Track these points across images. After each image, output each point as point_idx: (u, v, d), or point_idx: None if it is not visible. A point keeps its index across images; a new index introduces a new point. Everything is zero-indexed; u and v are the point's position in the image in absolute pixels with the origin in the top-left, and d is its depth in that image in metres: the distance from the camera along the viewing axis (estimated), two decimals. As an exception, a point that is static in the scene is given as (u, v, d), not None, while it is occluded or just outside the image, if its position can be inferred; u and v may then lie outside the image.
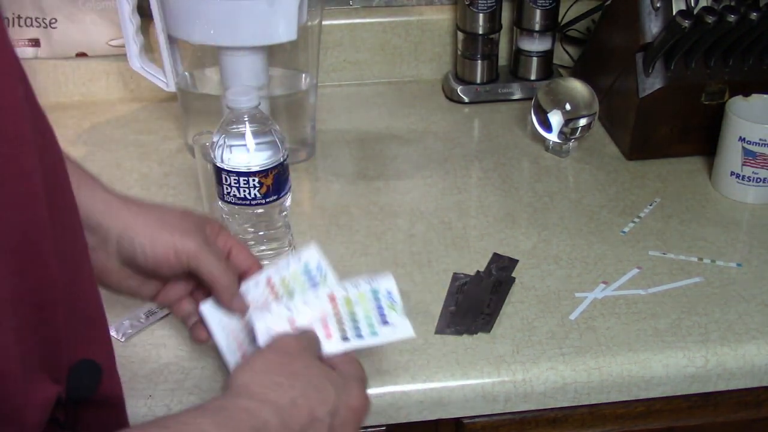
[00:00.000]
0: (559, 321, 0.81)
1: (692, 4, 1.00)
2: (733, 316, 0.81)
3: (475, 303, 0.83)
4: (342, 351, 0.65)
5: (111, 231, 0.65)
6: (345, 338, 0.66)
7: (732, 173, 0.98)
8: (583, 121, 1.04)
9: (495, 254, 0.90)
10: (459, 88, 1.22)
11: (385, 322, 0.67)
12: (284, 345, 0.61)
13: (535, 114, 1.07)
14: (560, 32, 1.26)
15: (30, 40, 1.17)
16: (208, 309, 0.69)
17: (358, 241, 0.92)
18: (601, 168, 1.06)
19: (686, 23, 0.94)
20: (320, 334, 0.65)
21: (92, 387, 0.52)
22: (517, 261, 0.89)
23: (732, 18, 0.93)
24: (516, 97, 1.23)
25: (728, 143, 0.98)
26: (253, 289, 0.70)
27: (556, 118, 1.04)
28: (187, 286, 0.71)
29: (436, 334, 0.79)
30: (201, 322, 0.70)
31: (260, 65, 0.98)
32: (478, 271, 0.87)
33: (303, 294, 0.68)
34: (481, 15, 1.18)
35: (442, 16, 1.25)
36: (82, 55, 1.19)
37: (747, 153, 0.96)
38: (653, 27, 1.01)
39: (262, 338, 0.64)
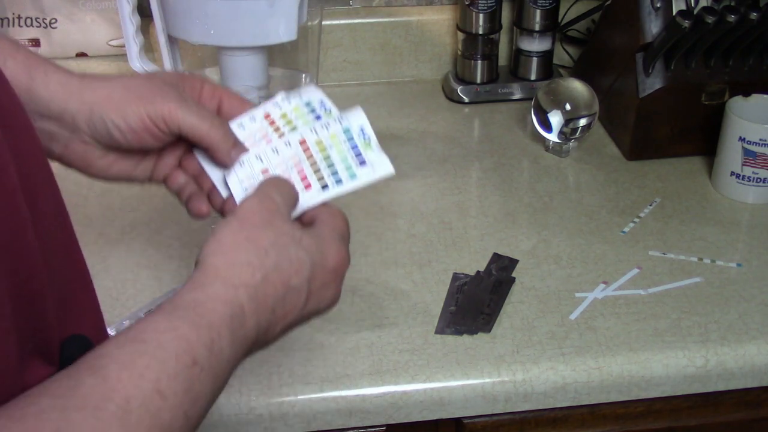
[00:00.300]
0: (559, 321, 0.81)
1: (692, 4, 1.00)
2: (733, 316, 0.81)
3: (475, 303, 0.83)
4: (322, 201, 0.61)
5: (78, 116, 0.61)
6: (324, 186, 0.62)
7: (732, 173, 0.98)
8: (583, 121, 1.05)
9: (495, 254, 0.90)
10: (459, 88, 1.22)
11: (362, 163, 0.62)
12: (249, 214, 0.57)
13: (535, 114, 1.07)
14: (560, 32, 1.26)
15: (30, 40, 1.17)
16: (203, 154, 0.64)
17: (358, 241, 0.92)
18: (601, 168, 1.06)
19: (686, 23, 0.94)
20: (298, 185, 0.62)
21: None
22: (517, 261, 0.89)
23: (732, 18, 0.93)
24: (516, 97, 1.23)
25: (728, 143, 0.98)
26: (248, 123, 0.65)
27: (556, 118, 1.04)
28: (175, 153, 0.67)
29: (436, 334, 0.79)
30: (198, 192, 0.65)
31: (260, 65, 0.98)
32: (478, 271, 0.87)
33: (306, 127, 0.64)
34: (481, 15, 1.18)
35: (442, 16, 1.25)
36: (82, 55, 1.19)
37: (747, 153, 0.96)
38: (653, 27, 1.01)
39: (239, 196, 0.62)
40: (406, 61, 1.27)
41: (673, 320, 0.81)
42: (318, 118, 0.65)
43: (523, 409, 0.76)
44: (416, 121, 1.18)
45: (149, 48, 1.12)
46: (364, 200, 0.99)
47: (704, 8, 0.94)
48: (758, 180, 0.97)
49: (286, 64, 1.08)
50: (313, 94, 0.66)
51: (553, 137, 1.06)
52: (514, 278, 0.86)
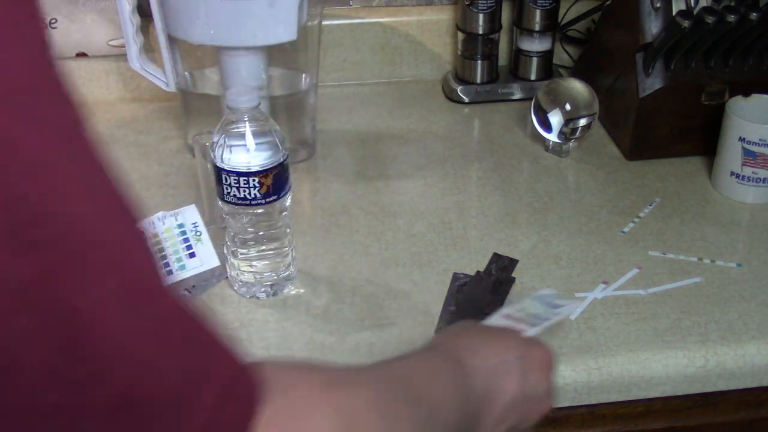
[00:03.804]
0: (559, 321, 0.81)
1: (692, 4, 1.00)
2: (733, 316, 0.81)
3: (475, 303, 0.83)
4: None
5: None
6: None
7: (732, 173, 0.98)
8: (583, 121, 1.04)
9: (495, 254, 0.90)
10: (459, 88, 1.22)
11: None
12: None
13: (535, 114, 1.07)
14: (560, 32, 1.26)
15: (30, 40, 1.17)
16: None
17: (358, 241, 0.92)
18: (601, 168, 1.06)
19: (686, 23, 0.94)
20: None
21: None
22: (517, 261, 0.89)
23: (732, 18, 0.93)
24: (516, 97, 1.23)
25: (728, 143, 0.98)
26: None
27: (556, 118, 1.04)
28: None
29: (436, 334, 0.79)
30: None
31: (260, 65, 0.98)
32: (478, 271, 0.87)
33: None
34: (481, 15, 1.18)
35: (442, 16, 1.25)
36: (82, 55, 1.19)
37: (747, 153, 0.96)
38: (653, 27, 1.01)
39: None
40: (406, 61, 1.27)
41: (673, 320, 0.81)
42: (186, 240, 0.73)
43: (523, 409, 0.76)
44: (416, 121, 1.18)
45: (149, 48, 1.12)
46: (364, 200, 0.99)
47: (704, 8, 0.94)
48: (758, 180, 0.97)
49: (286, 64, 1.08)
50: (188, 214, 0.75)
51: (553, 137, 1.06)
52: (514, 278, 0.86)
